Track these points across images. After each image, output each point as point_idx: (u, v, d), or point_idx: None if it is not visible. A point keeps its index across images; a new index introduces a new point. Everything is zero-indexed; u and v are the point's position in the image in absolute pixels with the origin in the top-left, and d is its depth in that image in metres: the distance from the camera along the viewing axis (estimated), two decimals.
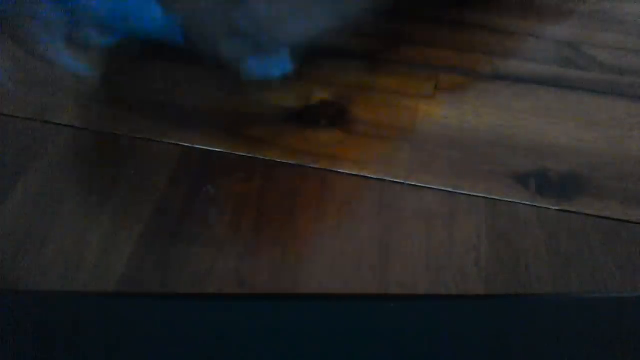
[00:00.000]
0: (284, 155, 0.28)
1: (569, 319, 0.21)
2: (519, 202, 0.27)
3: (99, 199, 0.26)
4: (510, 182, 0.27)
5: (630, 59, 0.35)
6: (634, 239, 0.25)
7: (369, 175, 0.28)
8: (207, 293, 0.23)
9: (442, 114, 0.31)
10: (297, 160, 0.28)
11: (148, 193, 0.27)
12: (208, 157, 0.28)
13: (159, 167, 0.28)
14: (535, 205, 0.26)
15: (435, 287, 0.23)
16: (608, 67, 0.34)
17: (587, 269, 0.24)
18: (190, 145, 0.29)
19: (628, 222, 0.26)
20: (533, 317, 0.21)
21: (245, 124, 0.30)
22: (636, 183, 0.27)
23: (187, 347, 0.20)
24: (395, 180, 0.27)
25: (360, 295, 0.23)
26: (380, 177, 0.28)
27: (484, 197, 0.27)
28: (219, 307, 0.21)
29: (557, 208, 0.26)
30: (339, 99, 0.31)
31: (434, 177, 0.28)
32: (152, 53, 0.33)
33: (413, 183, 0.27)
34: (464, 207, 0.26)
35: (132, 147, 0.29)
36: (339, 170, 0.28)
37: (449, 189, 0.27)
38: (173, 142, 0.29)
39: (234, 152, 0.28)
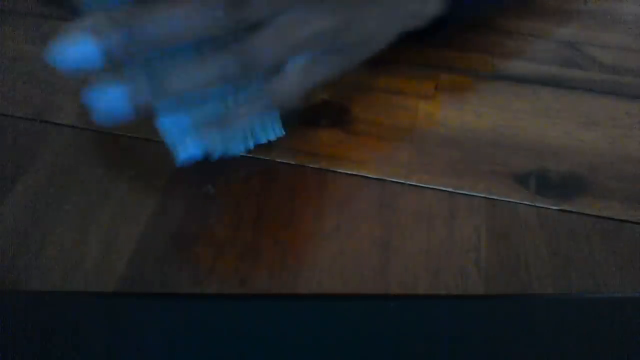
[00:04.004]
0: (284, 155, 0.28)
1: (569, 319, 0.21)
2: (519, 202, 0.27)
3: (99, 199, 0.26)
4: (510, 182, 0.27)
5: (630, 59, 0.35)
6: (634, 239, 0.25)
7: (369, 175, 0.28)
8: (207, 293, 0.23)
9: (442, 114, 0.31)
10: (297, 160, 0.28)
11: (148, 193, 0.27)
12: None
13: (159, 167, 0.28)
14: (535, 205, 0.26)
15: (435, 287, 0.23)
16: (608, 67, 0.34)
17: (587, 269, 0.24)
18: None
19: (628, 222, 0.26)
20: (533, 317, 0.21)
21: None
22: (636, 183, 0.27)
23: (187, 347, 0.20)
24: (395, 180, 0.27)
25: (360, 295, 0.23)
26: (380, 177, 0.28)
27: (484, 197, 0.27)
28: (219, 307, 0.21)
29: (557, 208, 0.26)
30: (339, 99, 0.31)
31: (434, 177, 0.28)
32: None
33: (413, 183, 0.27)
34: (464, 207, 0.26)
35: (132, 147, 0.29)
36: (339, 170, 0.28)
37: (449, 189, 0.27)
38: None
39: None
